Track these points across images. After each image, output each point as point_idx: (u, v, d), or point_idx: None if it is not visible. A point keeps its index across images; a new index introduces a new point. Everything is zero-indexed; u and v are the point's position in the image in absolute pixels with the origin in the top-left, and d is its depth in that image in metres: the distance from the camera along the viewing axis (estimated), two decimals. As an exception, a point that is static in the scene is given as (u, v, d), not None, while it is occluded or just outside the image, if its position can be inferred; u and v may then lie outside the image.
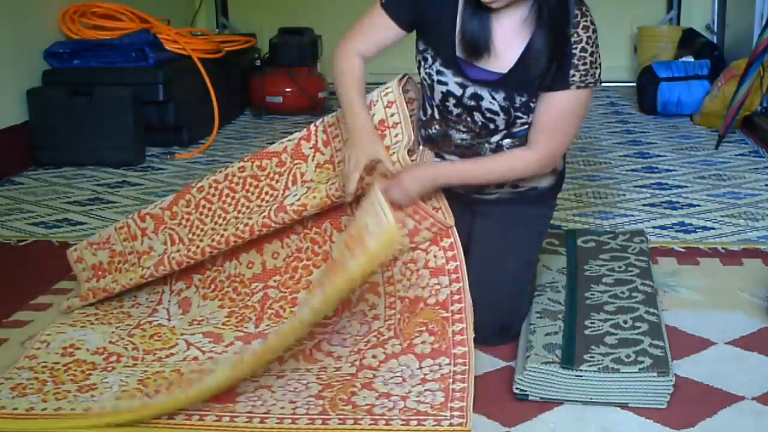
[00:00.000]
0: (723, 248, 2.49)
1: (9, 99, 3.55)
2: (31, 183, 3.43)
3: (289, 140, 2.09)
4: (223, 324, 2.02)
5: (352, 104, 1.88)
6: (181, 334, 1.99)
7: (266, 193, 2.08)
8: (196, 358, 1.90)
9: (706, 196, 3.02)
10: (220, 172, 2.15)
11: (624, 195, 3.06)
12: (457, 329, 1.85)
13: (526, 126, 1.89)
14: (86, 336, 1.98)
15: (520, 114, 1.87)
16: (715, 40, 4.85)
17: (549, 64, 1.79)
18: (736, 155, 3.56)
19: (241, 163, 2.12)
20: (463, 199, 2.00)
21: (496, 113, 1.87)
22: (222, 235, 2.03)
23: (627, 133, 4.05)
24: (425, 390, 1.73)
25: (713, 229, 2.68)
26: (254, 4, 5.68)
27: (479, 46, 1.83)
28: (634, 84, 4.69)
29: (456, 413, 1.65)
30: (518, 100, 1.85)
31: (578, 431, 1.61)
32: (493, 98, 1.86)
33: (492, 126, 1.90)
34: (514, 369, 1.79)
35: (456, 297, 1.88)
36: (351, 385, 1.75)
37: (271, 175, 2.08)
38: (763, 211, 2.84)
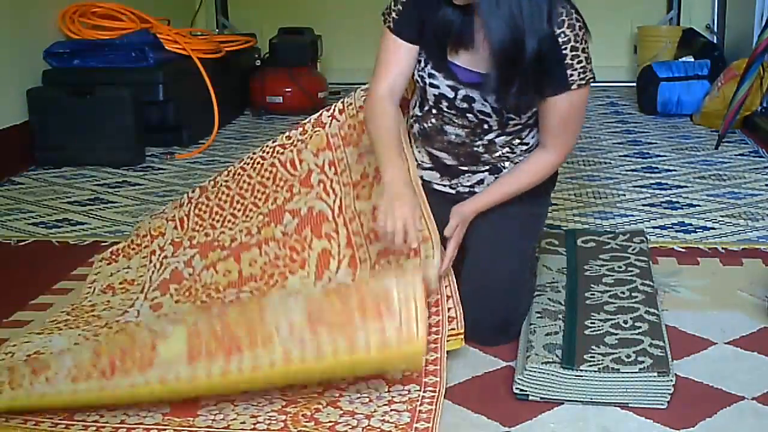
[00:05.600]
0: (723, 248, 2.49)
1: (9, 99, 3.55)
2: (31, 183, 3.43)
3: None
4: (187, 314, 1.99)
5: (390, 159, 1.81)
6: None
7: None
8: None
9: (706, 196, 3.02)
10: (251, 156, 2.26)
11: (624, 195, 3.06)
12: (431, 358, 1.78)
13: (520, 126, 1.90)
14: (51, 342, 1.94)
15: (512, 115, 1.88)
16: (715, 40, 4.85)
17: (523, 77, 1.77)
18: (736, 155, 3.56)
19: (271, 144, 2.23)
20: (455, 200, 2.01)
21: (488, 115, 1.89)
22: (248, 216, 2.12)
23: (627, 133, 4.05)
24: (391, 410, 1.66)
25: (713, 229, 2.68)
26: (254, 4, 5.68)
27: (460, 33, 1.84)
28: (634, 84, 4.68)
29: None
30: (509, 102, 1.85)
31: (578, 431, 1.62)
32: (485, 100, 1.87)
33: (486, 126, 1.91)
34: (514, 369, 1.79)
35: (434, 329, 1.83)
36: (316, 402, 1.69)
37: (295, 143, 2.17)
38: (763, 211, 2.84)
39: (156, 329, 1.69)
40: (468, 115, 1.91)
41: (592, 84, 1.86)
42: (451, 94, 1.90)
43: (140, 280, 2.21)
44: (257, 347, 1.57)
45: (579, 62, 1.79)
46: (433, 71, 1.91)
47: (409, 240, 1.74)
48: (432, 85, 1.91)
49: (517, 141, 1.95)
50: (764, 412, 1.65)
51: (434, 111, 1.96)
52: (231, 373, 1.57)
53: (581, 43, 1.79)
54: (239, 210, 2.15)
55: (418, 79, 1.94)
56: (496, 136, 1.92)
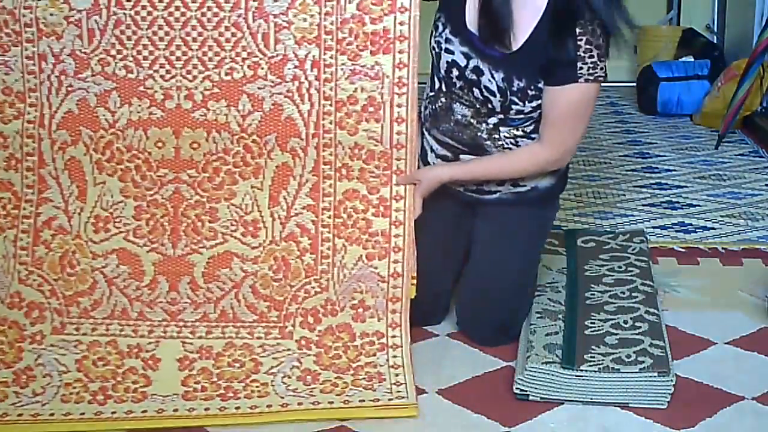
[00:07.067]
0: (723, 248, 2.49)
1: (9, 99, 3.55)
2: (31, 183, 3.42)
3: None
4: (135, 233, 1.81)
5: None
6: (93, 257, 1.80)
7: None
8: (124, 311, 1.80)
9: (706, 196, 3.02)
10: None
11: (624, 195, 3.06)
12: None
13: (522, 116, 1.89)
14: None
15: (516, 99, 1.87)
16: (715, 40, 4.85)
17: (553, 53, 1.79)
18: (736, 155, 3.56)
19: None
20: (463, 200, 2.00)
21: (492, 93, 1.87)
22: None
23: (627, 133, 4.04)
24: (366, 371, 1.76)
25: (713, 229, 2.68)
26: (254, 4, 5.66)
27: (500, 29, 1.82)
28: (634, 84, 4.68)
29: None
30: (516, 84, 1.84)
31: (578, 431, 1.62)
32: (492, 76, 1.86)
33: (489, 105, 1.90)
34: (514, 369, 1.79)
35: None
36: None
37: None
38: (763, 211, 2.84)
39: (140, 344, 1.79)
40: (474, 90, 1.89)
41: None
42: (463, 62, 1.89)
43: (30, 94, 1.80)
44: (253, 397, 1.70)
45: (591, 57, 1.79)
46: (450, 36, 1.90)
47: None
48: (447, 51, 1.90)
49: (521, 134, 1.94)
50: (764, 412, 1.66)
51: (444, 88, 1.95)
52: (228, 410, 1.68)
53: (597, 40, 1.80)
54: (179, 59, 1.76)
55: (434, 46, 1.93)
56: (500, 123, 1.91)
